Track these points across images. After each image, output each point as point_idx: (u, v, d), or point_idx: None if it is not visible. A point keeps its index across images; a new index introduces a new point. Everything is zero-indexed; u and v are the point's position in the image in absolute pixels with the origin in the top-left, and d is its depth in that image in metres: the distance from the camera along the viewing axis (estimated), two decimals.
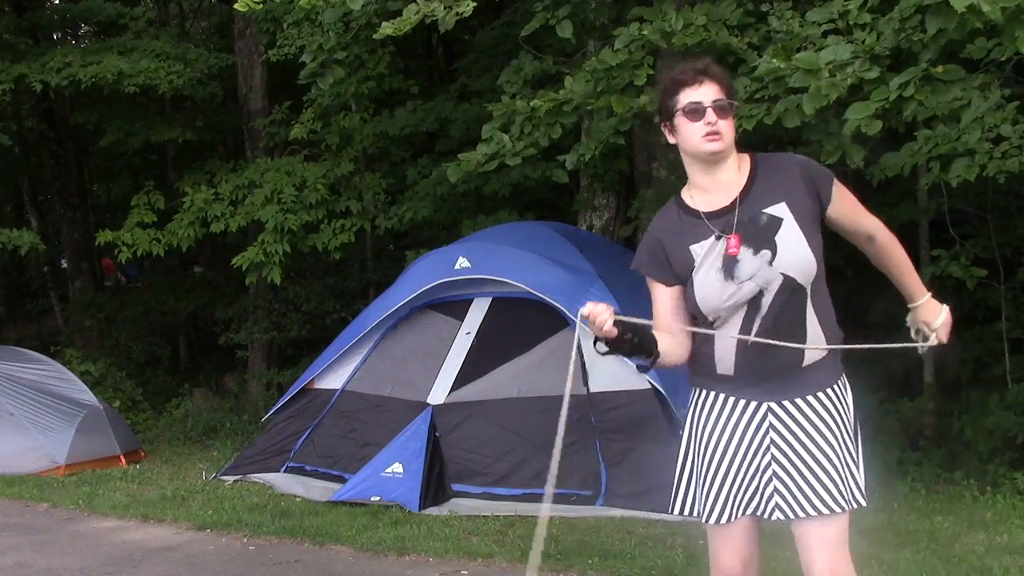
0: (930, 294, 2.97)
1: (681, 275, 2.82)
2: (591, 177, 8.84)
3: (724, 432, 2.83)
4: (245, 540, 5.79)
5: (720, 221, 2.78)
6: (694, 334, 2.84)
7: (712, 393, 2.86)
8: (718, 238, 2.76)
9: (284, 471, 7.15)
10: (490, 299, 6.91)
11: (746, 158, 2.86)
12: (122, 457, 8.27)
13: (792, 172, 2.80)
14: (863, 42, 5.28)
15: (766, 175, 2.81)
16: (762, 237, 2.73)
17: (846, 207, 2.84)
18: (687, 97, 2.78)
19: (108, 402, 9.40)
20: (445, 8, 5.62)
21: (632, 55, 6.02)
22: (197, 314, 13.97)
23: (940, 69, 5.24)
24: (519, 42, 7.39)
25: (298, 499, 6.66)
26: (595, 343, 2.85)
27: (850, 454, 2.80)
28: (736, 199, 2.78)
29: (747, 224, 2.75)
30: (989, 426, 6.90)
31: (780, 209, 2.75)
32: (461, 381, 6.74)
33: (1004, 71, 5.72)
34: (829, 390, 2.80)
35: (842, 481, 2.75)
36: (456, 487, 6.44)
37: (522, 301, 6.70)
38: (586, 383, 6.38)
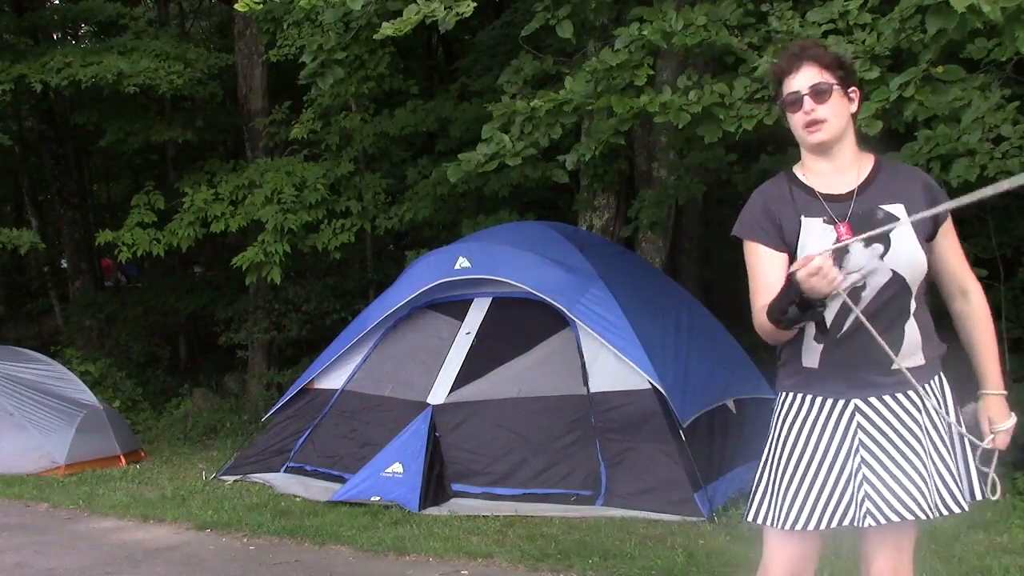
0: (1006, 393, 2.81)
1: (789, 243, 2.68)
2: (591, 177, 8.85)
3: (812, 435, 2.69)
4: (245, 540, 5.79)
5: (835, 206, 2.66)
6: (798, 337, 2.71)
7: (799, 396, 2.73)
8: (829, 222, 2.64)
9: (284, 471, 7.15)
10: (490, 299, 6.91)
11: (869, 156, 2.76)
12: (122, 457, 8.27)
13: (916, 182, 2.71)
14: (863, 42, 5.29)
15: (888, 177, 2.71)
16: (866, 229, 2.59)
17: (951, 244, 2.75)
18: (787, 87, 2.69)
19: (108, 402, 9.41)
20: (445, 8, 5.62)
21: (632, 55, 6.02)
22: (197, 314, 13.98)
23: (940, 69, 5.24)
24: (519, 42, 7.39)
25: (298, 499, 6.66)
26: (789, 307, 2.56)
27: (943, 458, 2.67)
28: (855, 189, 2.67)
29: (861, 216, 2.63)
30: None
31: (898, 209, 2.64)
32: (461, 381, 6.74)
33: (1004, 71, 5.72)
34: (923, 386, 2.68)
35: (927, 486, 2.63)
36: (456, 487, 6.44)
37: (522, 301, 6.70)
38: (586, 383, 6.38)
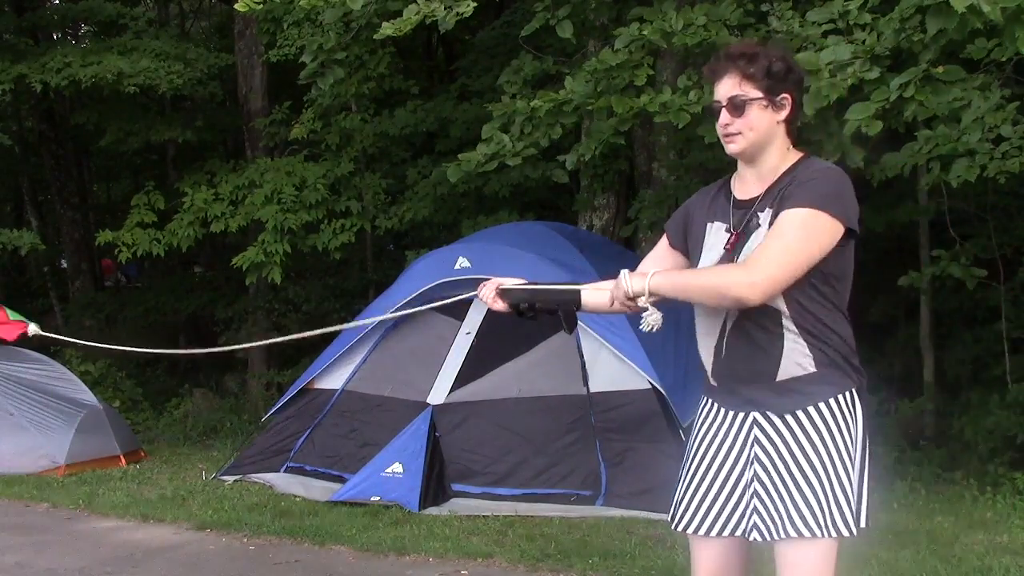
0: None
1: (692, 245, 2.70)
2: (591, 177, 8.85)
3: (713, 442, 2.70)
4: (245, 540, 5.78)
5: (739, 213, 2.63)
6: (695, 339, 2.72)
7: (709, 401, 2.74)
8: (728, 230, 2.62)
9: (284, 471, 7.14)
10: None
11: (795, 157, 2.63)
12: (122, 457, 8.26)
13: (800, 184, 2.54)
14: (863, 42, 5.29)
15: (788, 182, 2.56)
16: (746, 241, 2.57)
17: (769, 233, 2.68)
18: (715, 96, 2.62)
19: (108, 402, 9.39)
20: (445, 8, 5.62)
21: (632, 55, 6.02)
22: (197, 314, 13.97)
23: (940, 69, 5.24)
24: (519, 42, 7.39)
25: (298, 499, 6.66)
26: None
27: (842, 477, 2.53)
28: (758, 196, 2.61)
29: (745, 225, 2.59)
30: (989, 426, 6.90)
31: (766, 216, 2.56)
32: (461, 381, 6.74)
33: (1004, 71, 5.72)
34: (823, 404, 2.54)
35: (825, 504, 2.51)
36: (456, 487, 6.44)
37: None
38: (586, 383, 6.38)
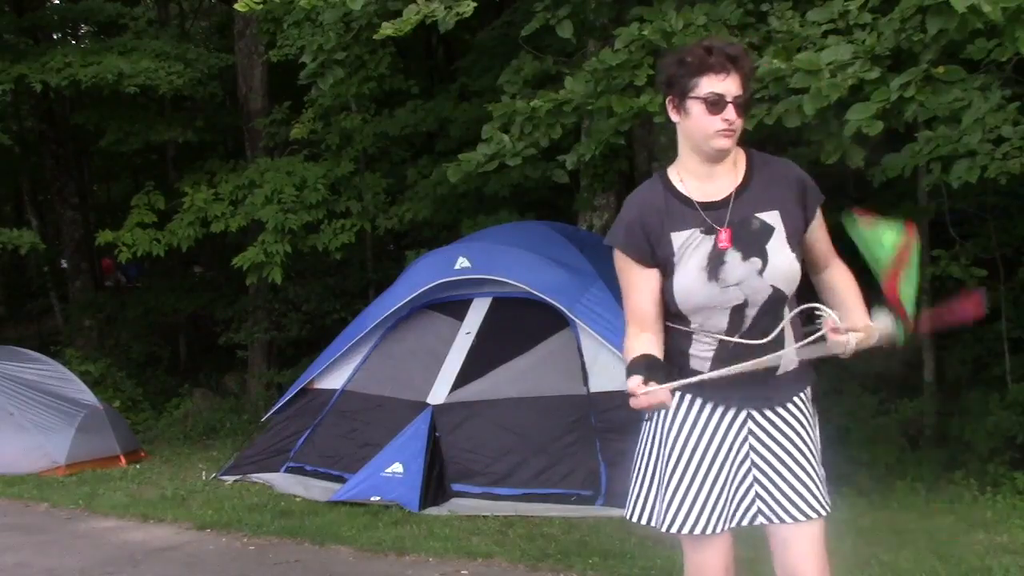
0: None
1: (660, 260, 2.68)
2: (591, 177, 8.84)
3: (702, 440, 2.69)
4: (245, 540, 5.79)
5: (712, 214, 2.64)
6: (668, 330, 2.71)
7: (696, 399, 2.70)
8: (707, 232, 2.62)
9: (284, 471, 7.15)
10: (490, 299, 6.91)
11: (742, 153, 2.72)
12: (122, 457, 8.27)
13: (790, 183, 2.70)
14: (864, 42, 5.28)
15: (762, 179, 2.69)
16: (753, 243, 2.62)
17: (821, 235, 2.77)
18: (710, 85, 2.59)
19: (108, 402, 9.40)
20: (445, 8, 5.62)
21: (632, 55, 6.01)
22: (197, 314, 13.98)
23: (941, 70, 5.23)
24: (519, 42, 7.38)
25: (298, 499, 6.66)
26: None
27: (819, 460, 2.75)
28: (731, 194, 2.66)
29: (739, 225, 2.63)
30: (989, 426, 6.90)
31: (773, 217, 2.65)
32: (461, 381, 6.74)
33: (1004, 71, 5.72)
34: (798, 398, 2.73)
35: (820, 486, 2.71)
36: (456, 487, 6.44)
37: (522, 301, 6.70)
38: (586, 383, 6.38)
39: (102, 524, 6.35)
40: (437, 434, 6.54)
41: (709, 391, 2.69)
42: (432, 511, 6.16)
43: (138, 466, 8.25)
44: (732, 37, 5.73)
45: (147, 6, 15.02)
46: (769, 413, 2.70)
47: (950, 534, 5.37)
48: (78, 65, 10.19)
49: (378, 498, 6.28)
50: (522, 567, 5.05)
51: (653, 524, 2.76)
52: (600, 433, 6.26)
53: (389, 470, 6.39)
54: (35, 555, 5.62)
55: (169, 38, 11.73)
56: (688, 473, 2.70)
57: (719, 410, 2.70)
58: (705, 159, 2.67)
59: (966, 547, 5.11)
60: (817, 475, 2.71)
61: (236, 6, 6.45)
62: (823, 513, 2.70)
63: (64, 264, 15.07)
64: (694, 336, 2.68)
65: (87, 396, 8.63)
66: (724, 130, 2.60)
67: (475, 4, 5.61)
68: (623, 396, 6.66)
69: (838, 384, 7.45)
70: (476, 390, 6.68)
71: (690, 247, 2.64)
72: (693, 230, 2.64)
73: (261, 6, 6.32)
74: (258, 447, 7.47)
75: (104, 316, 13.70)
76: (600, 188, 8.93)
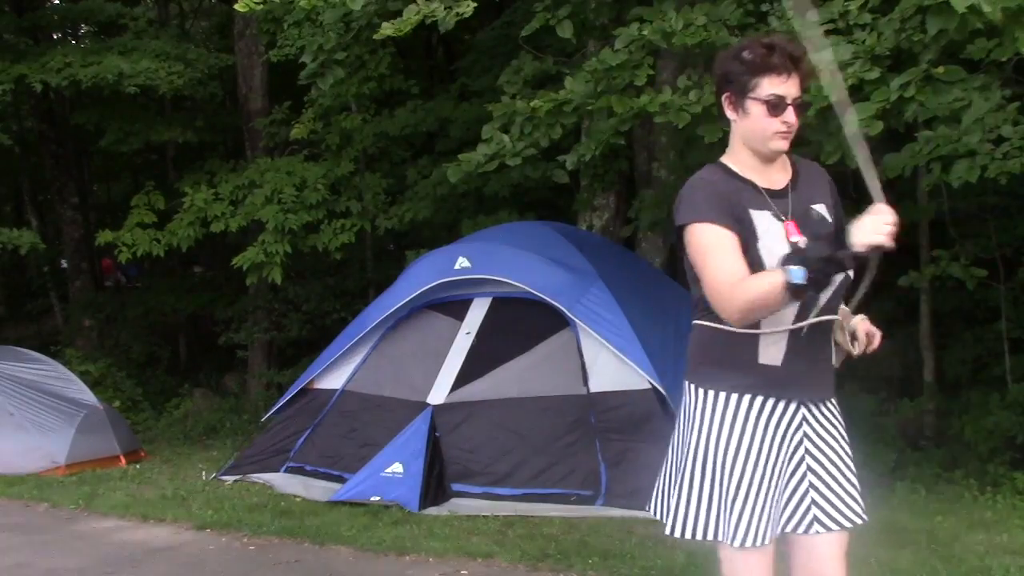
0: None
1: (744, 235, 2.54)
2: (591, 177, 8.85)
3: (755, 441, 2.56)
4: (245, 540, 5.78)
5: (776, 202, 2.60)
6: (743, 335, 2.56)
7: (740, 397, 2.57)
8: (777, 218, 2.57)
9: (284, 471, 7.14)
10: (490, 299, 6.90)
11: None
12: (122, 457, 8.27)
13: (826, 181, 2.76)
14: (864, 42, 5.28)
15: (807, 176, 2.72)
16: (815, 232, 2.57)
17: None
18: (772, 86, 2.55)
19: (108, 402, 9.40)
20: (445, 8, 5.62)
21: (632, 55, 6.02)
22: (197, 314, 13.98)
23: (940, 70, 5.23)
24: (519, 42, 7.39)
25: (298, 499, 6.66)
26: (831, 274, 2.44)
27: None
28: (788, 186, 2.65)
29: (802, 215, 2.60)
30: (989, 426, 6.90)
31: (823, 211, 2.67)
32: (461, 381, 6.74)
33: (1004, 71, 5.72)
34: (834, 396, 2.71)
35: (859, 490, 2.65)
36: (456, 487, 6.43)
37: (522, 301, 6.70)
38: (586, 383, 6.38)
39: (102, 524, 6.35)
40: (437, 434, 6.54)
41: (770, 382, 2.57)
42: (432, 511, 6.16)
43: (138, 466, 8.25)
44: (732, 37, 5.73)
45: (147, 6, 15.02)
46: (822, 407, 2.64)
47: (950, 534, 5.37)
48: (78, 65, 10.18)
49: (378, 498, 6.27)
50: (522, 567, 5.04)
51: (710, 538, 2.61)
52: (600, 433, 6.26)
53: (389, 470, 6.39)
54: (35, 555, 5.62)
55: (169, 38, 11.72)
56: (740, 480, 2.56)
57: (779, 406, 2.58)
58: (760, 158, 2.65)
59: (966, 547, 5.11)
60: (856, 480, 2.66)
61: (236, 6, 6.45)
62: (866, 519, 2.64)
63: (64, 264, 15.08)
64: (763, 323, 2.54)
65: (87, 396, 8.63)
66: (783, 132, 2.59)
67: (475, 4, 5.61)
68: (623, 396, 6.67)
69: (838, 383, 7.44)
70: (476, 390, 6.68)
71: (769, 231, 2.57)
72: (766, 212, 2.59)
73: (261, 6, 6.32)
74: (258, 447, 7.46)
75: (104, 316, 13.70)
76: (600, 188, 8.94)
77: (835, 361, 2.70)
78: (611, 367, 6.32)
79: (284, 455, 7.21)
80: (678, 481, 2.71)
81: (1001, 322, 7.72)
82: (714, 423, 2.60)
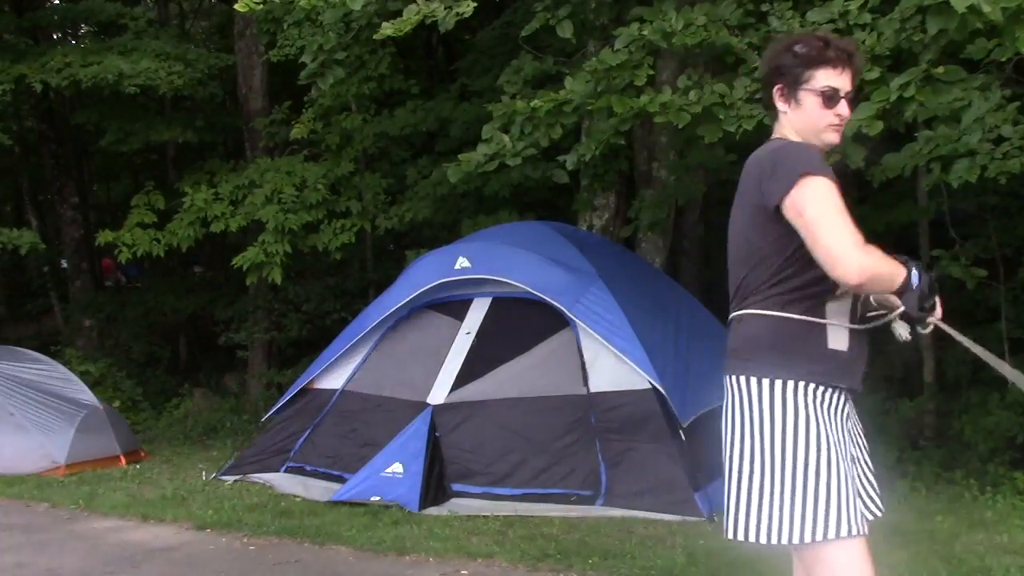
0: None
1: None
2: (591, 177, 8.85)
3: (833, 428, 2.51)
4: (245, 540, 5.79)
5: None
6: (806, 302, 2.52)
7: (822, 387, 2.52)
8: None
9: (284, 471, 7.15)
10: (490, 299, 6.91)
11: None
12: (122, 457, 8.27)
13: None
14: (864, 42, 5.28)
15: None
16: None
17: None
18: (827, 78, 2.59)
19: (108, 402, 9.40)
20: (445, 8, 5.62)
21: (632, 55, 6.01)
22: (197, 314, 13.98)
23: (940, 70, 5.23)
24: (519, 42, 7.39)
25: (298, 499, 6.66)
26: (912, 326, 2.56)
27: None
28: None
29: None
30: (989, 426, 6.90)
31: None
32: (461, 381, 6.74)
33: (1004, 71, 5.72)
34: None
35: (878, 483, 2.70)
36: (456, 487, 6.44)
37: (522, 301, 6.71)
38: (586, 383, 6.38)
39: (102, 524, 6.35)
40: (437, 434, 6.54)
41: (833, 372, 2.55)
42: (432, 511, 6.16)
43: (138, 466, 8.25)
44: (732, 37, 5.74)
45: (147, 6, 15.03)
46: (852, 398, 2.67)
47: (950, 534, 5.37)
48: (78, 65, 10.18)
49: (378, 498, 6.27)
50: (522, 567, 5.04)
51: (854, 533, 2.47)
52: (600, 433, 6.26)
53: (389, 470, 6.39)
54: (35, 555, 5.62)
55: (169, 38, 11.72)
56: (842, 467, 2.49)
57: (837, 394, 2.57)
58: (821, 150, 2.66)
59: (966, 547, 5.11)
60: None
61: (236, 6, 6.45)
62: (884, 510, 2.68)
63: (64, 264, 15.08)
64: (829, 313, 2.54)
65: (87, 396, 8.63)
66: (836, 124, 2.62)
67: (475, 4, 5.61)
68: (623, 396, 6.68)
69: None
70: (476, 390, 6.68)
71: None
72: None
73: (261, 6, 6.32)
74: (258, 447, 7.47)
75: (104, 316, 13.69)
76: (600, 188, 8.94)
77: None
78: (611, 367, 6.32)
79: (284, 455, 7.21)
80: (760, 483, 2.52)
81: (1001, 322, 7.71)
82: (799, 415, 2.51)
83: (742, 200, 2.65)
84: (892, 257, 2.48)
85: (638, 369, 6.19)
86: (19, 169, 15.75)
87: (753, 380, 2.54)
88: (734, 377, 2.59)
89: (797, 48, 2.63)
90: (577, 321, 6.45)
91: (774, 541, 2.49)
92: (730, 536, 2.55)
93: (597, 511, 6.03)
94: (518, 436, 6.45)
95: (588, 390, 6.35)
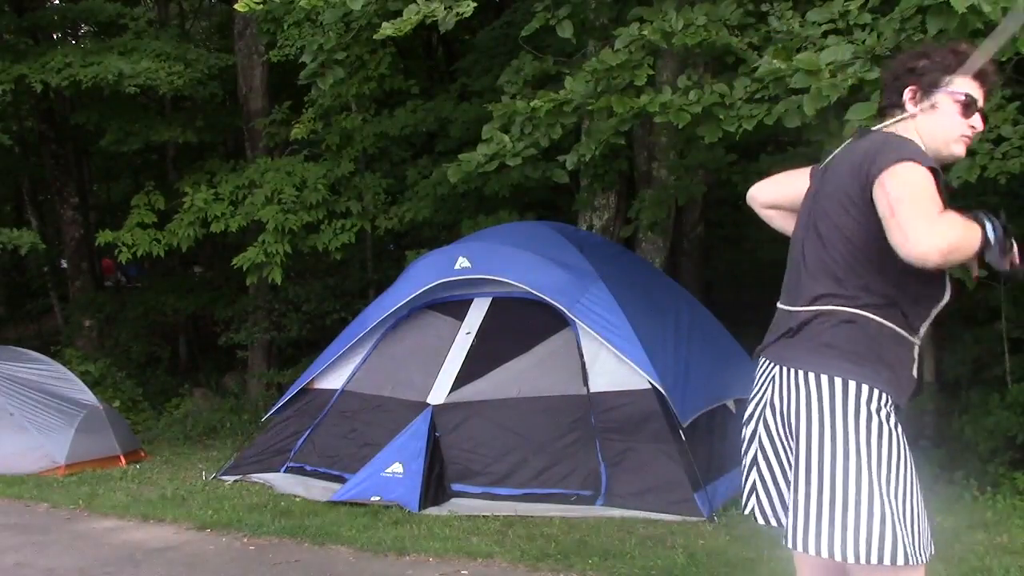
0: None
1: None
2: (591, 177, 8.85)
3: (904, 438, 2.45)
4: (245, 540, 5.78)
5: None
6: (902, 290, 2.46)
7: (886, 396, 2.44)
8: None
9: (284, 471, 7.14)
10: (490, 299, 6.91)
11: None
12: (122, 457, 8.27)
13: None
14: (864, 42, 5.28)
15: None
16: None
17: None
18: (968, 87, 2.54)
19: (108, 402, 9.40)
20: (445, 8, 5.62)
21: (632, 55, 6.01)
22: (197, 314, 13.99)
23: None
24: (519, 42, 7.39)
25: (298, 499, 6.66)
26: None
27: None
28: None
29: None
30: (989, 426, 6.90)
31: None
32: (461, 381, 6.74)
33: (1004, 71, 5.71)
34: None
35: None
36: (456, 487, 6.44)
37: (522, 301, 6.70)
38: (586, 383, 6.38)
39: (102, 524, 6.35)
40: (437, 434, 6.54)
41: (900, 382, 2.50)
42: (432, 511, 6.16)
43: (138, 466, 8.25)
44: (732, 37, 5.74)
45: (147, 6, 15.02)
46: None
47: (950, 534, 5.36)
48: (78, 65, 10.19)
49: (378, 498, 6.27)
50: (522, 567, 5.04)
51: (926, 559, 2.39)
52: (600, 433, 6.26)
53: (389, 470, 6.39)
54: (35, 555, 5.62)
55: (169, 38, 11.73)
56: (915, 481, 2.42)
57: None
58: (936, 161, 2.51)
59: (966, 547, 5.11)
60: None
61: (236, 6, 6.45)
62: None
63: (64, 264, 15.09)
64: (912, 327, 2.50)
65: (87, 396, 8.63)
66: (967, 136, 2.55)
67: (475, 4, 5.61)
68: (623, 396, 6.68)
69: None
70: (476, 390, 6.68)
71: None
72: None
73: (261, 6, 6.32)
74: (258, 447, 7.46)
75: (104, 316, 13.70)
76: (600, 188, 8.94)
77: None
78: (611, 367, 6.32)
79: (284, 455, 7.21)
80: (844, 494, 2.37)
81: (1001, 322, 7.71)
82: (894, 431, 2.42)
83: (834, 188, 2.53)
84: (963, 214, 2.38)
85: (638, 369, 6.19)
86: (19, 169, 15.75)
87: (836, 380, 2.43)
88: (816, 374, 2.46)
89: (934, 55, 2.58)
90: (577, 321, 6.45)
91: (851, 559, 2.35)
92: (799, 549, 2.42)
93: (597, 511, 6.03)
94: (518, 436, 6.45)
95: (588, 390, 6.35)
